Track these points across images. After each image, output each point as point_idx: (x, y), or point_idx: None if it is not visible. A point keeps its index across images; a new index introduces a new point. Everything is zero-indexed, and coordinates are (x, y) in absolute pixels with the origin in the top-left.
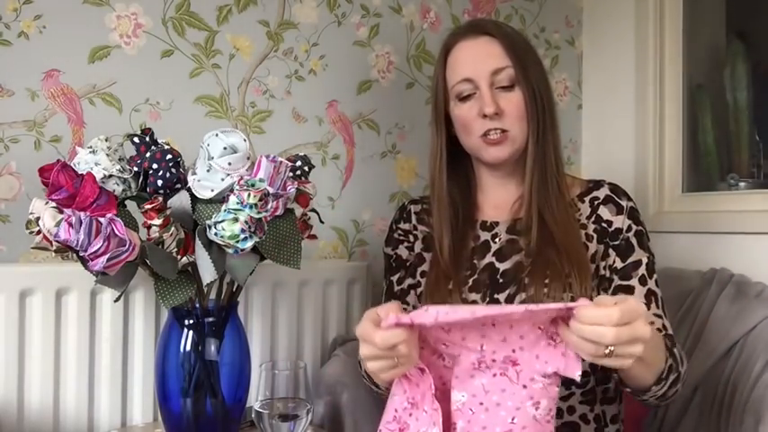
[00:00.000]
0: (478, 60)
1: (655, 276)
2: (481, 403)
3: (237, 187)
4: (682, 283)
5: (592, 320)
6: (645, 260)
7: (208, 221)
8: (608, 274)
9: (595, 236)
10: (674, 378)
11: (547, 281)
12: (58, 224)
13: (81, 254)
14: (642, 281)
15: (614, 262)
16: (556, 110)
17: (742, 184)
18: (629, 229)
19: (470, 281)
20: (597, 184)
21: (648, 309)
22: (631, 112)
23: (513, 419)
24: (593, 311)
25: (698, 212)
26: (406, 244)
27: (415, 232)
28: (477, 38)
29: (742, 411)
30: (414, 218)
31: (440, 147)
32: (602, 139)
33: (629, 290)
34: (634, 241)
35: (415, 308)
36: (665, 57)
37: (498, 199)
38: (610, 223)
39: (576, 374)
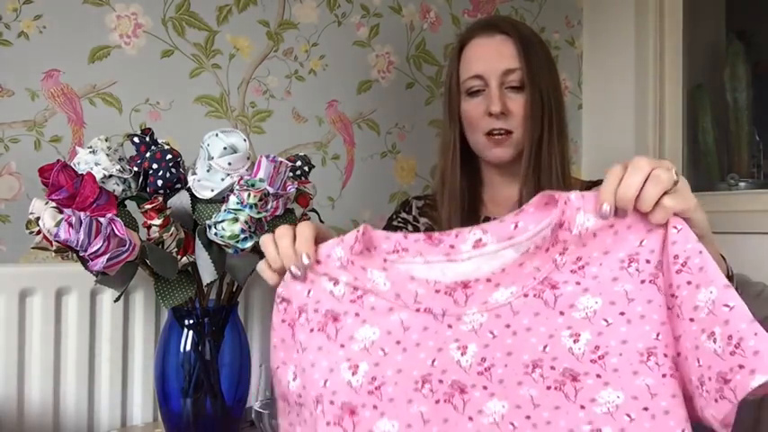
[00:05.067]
0: (492, 59)
1: None
2: (528, 417)
3: (237, 187)
4: None
5: (613, 183)
6: None
7: (208, 221)
8: None
9: None
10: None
11: None
12: (58, 224)
13: (81, 254)
14: None
15: None
16: (565, 116)
17: (742, 184)
18: None
19: None
20: (596, 183)
21: None
22: (631, 113)
23: None
24: (607, 181)
25: None
26: (404, 232)
27: (416, 224)
28: (493, 36)
29: (742, 411)
30: (415, 210)
31: (453, 140)
32: (602, 139)
33: None
34: None
35: None
36: (665, 57)
37: (501, 196)
38: None
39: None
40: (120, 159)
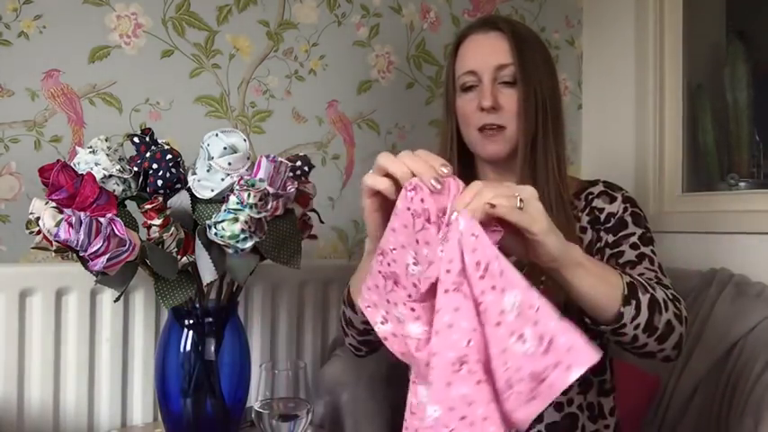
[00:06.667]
0: (485, 54)
1: (651, 247)
2: (463, 418)
3: (237, 187)
4: (682, 283)
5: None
6: (638, 232)
7: (208, 221)
8: (601, 254)
9: (589, 226)
10: (650, 300)
11: (543, 278)
12: (58, 224)
13: (81, 254)
14: (634, 246)
15: (606, 238)
16: (562, 116)
17: (742, 184)
18: (625, 210)
19: None
20: (592, 183)
21: (640, 264)
22: (631, 113)
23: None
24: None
25: (698, 212)
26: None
27: None
28: (487, 33)
29: (741, 412)
30: None
31: (451, 133)
32: (602, 139)
33: (620, 255)
34: (629, 219)
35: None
36: (665, 57)
37: None
38: (602, 210)
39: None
40: (120, 159)
